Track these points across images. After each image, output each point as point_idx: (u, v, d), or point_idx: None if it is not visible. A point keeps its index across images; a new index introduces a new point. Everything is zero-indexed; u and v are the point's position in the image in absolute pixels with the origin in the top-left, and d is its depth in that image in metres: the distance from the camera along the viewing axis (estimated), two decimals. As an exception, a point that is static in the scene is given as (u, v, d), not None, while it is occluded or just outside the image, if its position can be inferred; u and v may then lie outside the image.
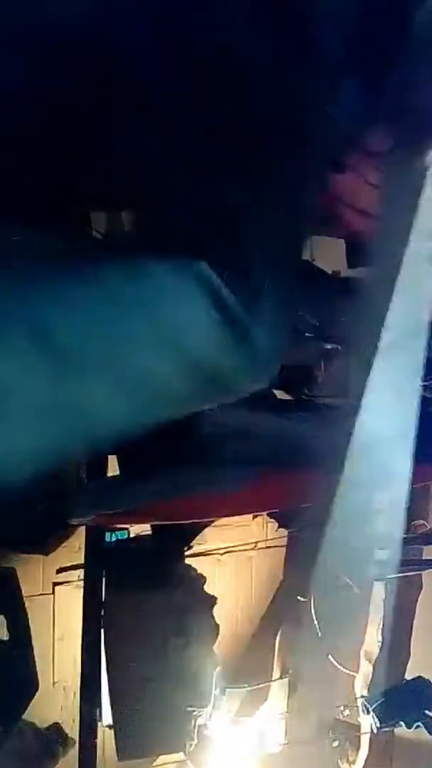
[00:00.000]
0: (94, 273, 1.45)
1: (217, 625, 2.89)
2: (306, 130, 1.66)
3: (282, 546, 4.19)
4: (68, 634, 3.73)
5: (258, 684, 4.20)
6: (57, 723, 3.58)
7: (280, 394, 2.94)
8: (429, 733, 3.44)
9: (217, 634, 2.90)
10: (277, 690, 4.25)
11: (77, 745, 2.88)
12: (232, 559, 4.26)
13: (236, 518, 3.90)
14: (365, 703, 3.54)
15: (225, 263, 1.43)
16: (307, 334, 2.35)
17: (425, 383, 2.75)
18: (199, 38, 1.55)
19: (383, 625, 3.59)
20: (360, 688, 3.65)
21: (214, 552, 4.05)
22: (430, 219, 1.98)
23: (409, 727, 3.43)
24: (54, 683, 3.86)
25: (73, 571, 3.19)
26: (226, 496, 2.33)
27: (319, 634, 4.31)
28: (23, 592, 2.76)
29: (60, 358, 1.36)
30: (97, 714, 2.76)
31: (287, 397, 2.94)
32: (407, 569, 3.48)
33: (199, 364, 1.48)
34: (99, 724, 2.78)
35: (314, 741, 4.33)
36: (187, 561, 3.04)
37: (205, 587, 2.92)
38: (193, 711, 2.78)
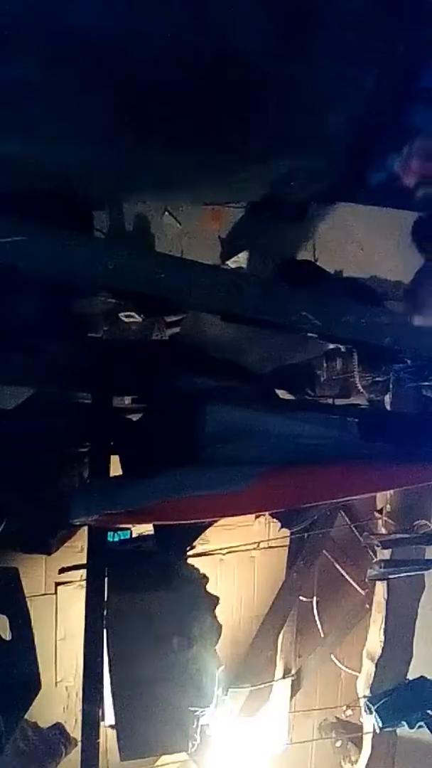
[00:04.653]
0: None
1: (220, 625, 2.89)
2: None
3: (284, 546, 4.19)
4: (70, 634, 3.74)
5: (261, 684, 4.21)
6: (59, 723, 3.59)
7: (281, 394, 2.95)
8: (431, 732, 3.44)
9: (220, 634, 2.90)
10: (280, 690, 4.26)
11: (79, 744, 2.87)
12: (235, 559, 4.26)
13: (238, 518, 3.90)
14: (368, 703, 3.54)
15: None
16: (308, 334, 2.34)
17: (425, 383, 2.76)
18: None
19: (386, 625, 3.58)
20: (362, 688, 3.65)
21: (217, 552, 4.05)
22: None
23: (411, 726, 3.43)
24: (56, 683, 3.87)
25: (75, 571, 3.18)
26: (228, 496, 2.33)
27: (322, 635, 4.32)
28: (26, 591, 2.77)
29: None
30: (100, 714, 2.76)
31: (289, 396, 2.94)
32: (409, 569, 3.48)
33: None
34: (101, 723, 2.78)
35: (317, 741, 4.33)
36: (190, 561, 3.04)
37: (208, 587, 2.92)
38: (196, 711, 2.78)
